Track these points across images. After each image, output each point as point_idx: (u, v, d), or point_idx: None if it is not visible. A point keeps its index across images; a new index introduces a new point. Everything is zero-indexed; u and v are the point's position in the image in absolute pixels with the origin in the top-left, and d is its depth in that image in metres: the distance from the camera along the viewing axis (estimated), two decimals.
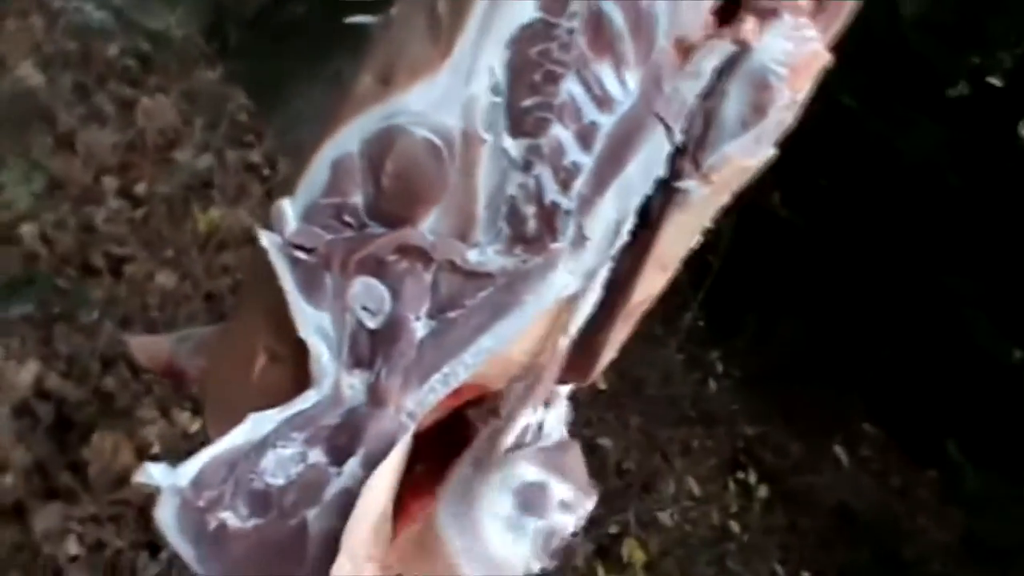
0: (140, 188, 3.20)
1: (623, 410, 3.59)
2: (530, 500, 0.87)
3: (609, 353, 0.92)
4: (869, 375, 4.74)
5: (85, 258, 2.73)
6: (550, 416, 0.96)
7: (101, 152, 3.28)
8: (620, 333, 0.92)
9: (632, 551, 2.79)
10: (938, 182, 5.12)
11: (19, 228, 2.75)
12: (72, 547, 2.15)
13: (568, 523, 0.87)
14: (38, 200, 2.83)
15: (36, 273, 2.60)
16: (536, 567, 0.86)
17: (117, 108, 3.52)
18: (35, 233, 2.74)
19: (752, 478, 3.31)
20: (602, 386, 3.39)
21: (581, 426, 3.44)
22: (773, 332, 4.79)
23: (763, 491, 3.39)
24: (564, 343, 0.90)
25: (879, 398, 4.70)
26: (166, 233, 3.05)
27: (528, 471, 0.88)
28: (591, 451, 3.35)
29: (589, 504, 0.88)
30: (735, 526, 3.28)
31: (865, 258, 5.15)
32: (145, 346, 1.14)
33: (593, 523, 2.96)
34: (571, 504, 0.88)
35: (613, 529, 2.91)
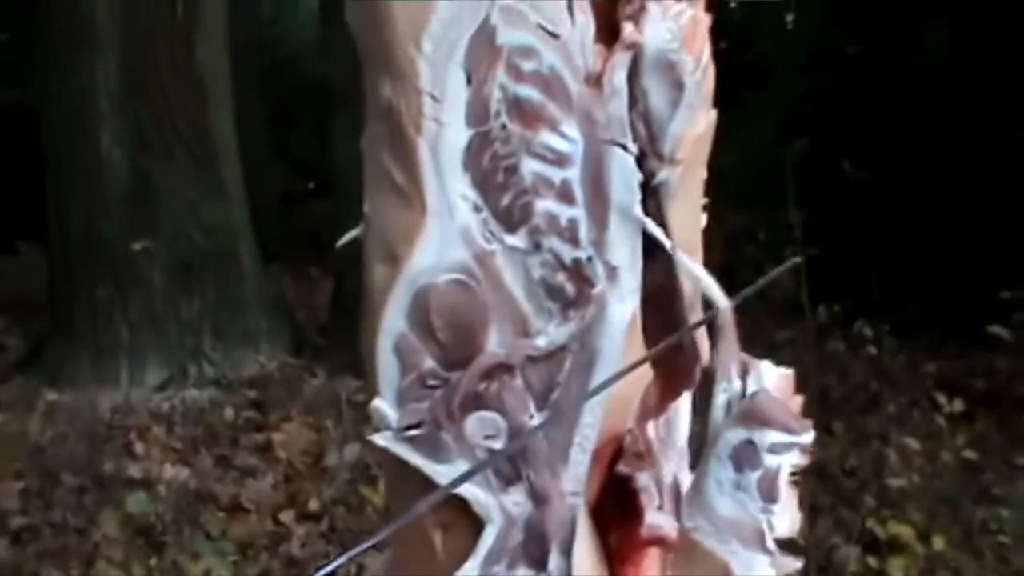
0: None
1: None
2: (743, 457, 0.98)
3: (703, 344, 1.01)
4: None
5: None
6: (685, 475, 1.08)
7: None
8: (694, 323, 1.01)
9: (897, 529, 2.85)
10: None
11: None
12: None
13: (787, 460, 0.98)
14: None
15: None
16: (765, 515, 0.96)
17: None
18: None
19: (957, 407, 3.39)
20: None
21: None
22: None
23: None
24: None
25: None
26: None
27: (734, 434, 0.98)
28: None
29: (805, 434, 0.98)
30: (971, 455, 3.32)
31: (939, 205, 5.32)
32: None
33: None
34: (783, 444, 0.98)
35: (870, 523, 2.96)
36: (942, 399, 3.49)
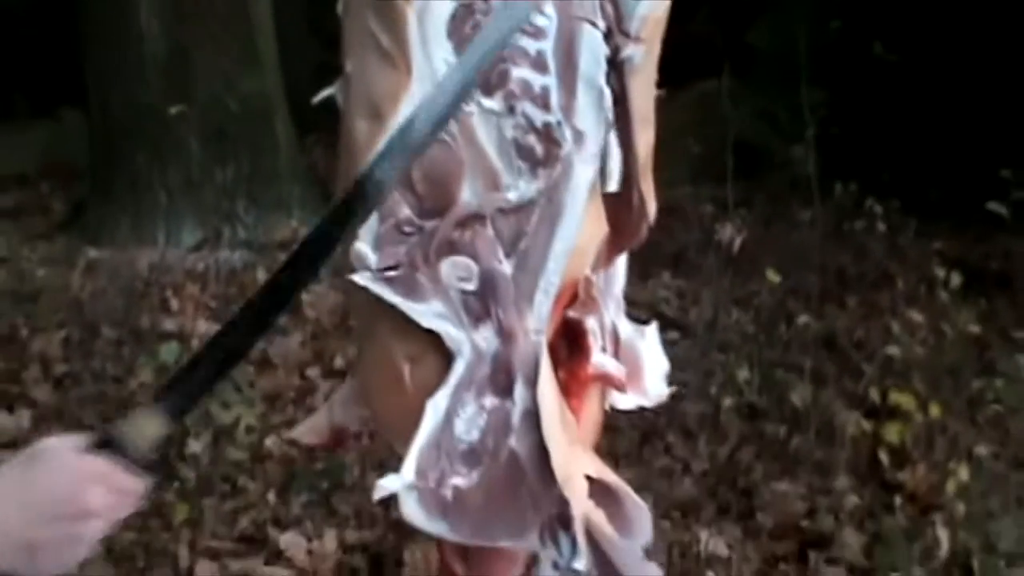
0: None
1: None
2: None
3: (649, 205, 1.13)
4: None
5: None
6: (622, 321, 1.20)
7: None
8: (647, 185, 1.12)
9: (898, 398, 2.97)
10: None
11: None
12: None
13: None
14: None
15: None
16: None
17: None
18: None
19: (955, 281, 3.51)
20: None
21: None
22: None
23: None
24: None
25: None
26: None
27: None
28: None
29: None
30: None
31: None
32: (308, 430, 1.36)
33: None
34: None
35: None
36: (953, 277, 3.58)
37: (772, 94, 5.53)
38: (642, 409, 1.26)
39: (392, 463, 1.15)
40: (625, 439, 3.11)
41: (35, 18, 7.94)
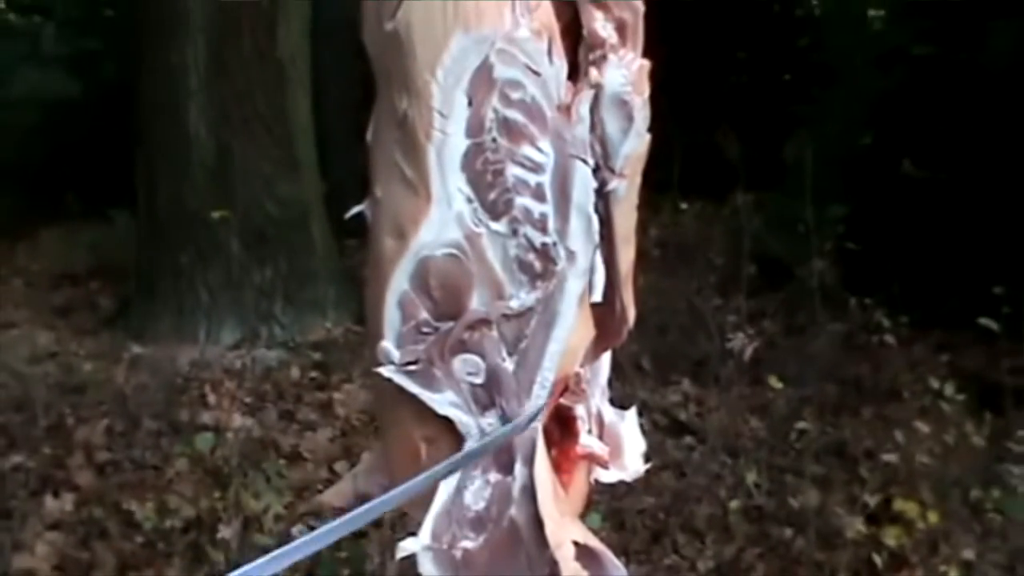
0: None
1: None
2: None
3: (630, 312, 1.33)
4: None
5: None
6: (606, 407, 1.39)
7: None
8: (627, 295, 1.32)
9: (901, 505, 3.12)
10: None
11: None
12: None
13: None
14: None
15: None
16: None
17: None
18: None
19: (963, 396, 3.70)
20: None
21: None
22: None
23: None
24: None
25: None
26: None
27: None
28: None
29: None
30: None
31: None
32: (334, 494, 1.55)
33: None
34: None
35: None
36: (960, 390, 3.72)
37: (797, 208, 5.75)
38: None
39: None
40: (637, 538, 3.25)
41: (87, 123, 8.30)
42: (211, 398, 4.21)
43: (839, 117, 7.53)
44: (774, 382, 3.61)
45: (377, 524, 3.25)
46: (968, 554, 2.88)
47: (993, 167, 5.88)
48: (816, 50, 9.61)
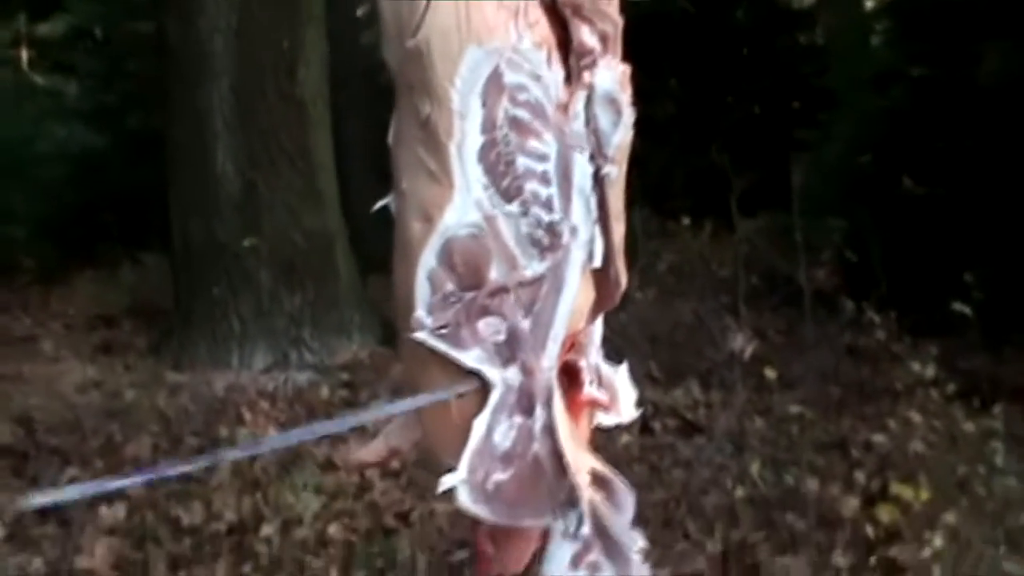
0: None
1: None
2: None
3: (622, 277, 1.58)
4: None
5: None
6: (601, 363, 1.64)
7: None
8: (620, 264, 1.57)
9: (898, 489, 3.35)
10: None
11: None
12: None
13: None
14: None
15: None
16: None
17: None
18: None
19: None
20: None
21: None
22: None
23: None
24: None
25: None
26: None
27: None
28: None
29: None
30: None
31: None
32: (366, 453, 1.79)
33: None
34: None
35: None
36: (949, 381, 3.94)
37: (799, 224, 5.98)
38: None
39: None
40: (648, 528, 3.49)
41: (113, 174, 8.58)
42: (247, 417, 4.47)
43: (841, 138, 7.81)
44: (768, 373, 3.86)
45: (407, 522, 3.50)
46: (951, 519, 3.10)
47: (990, 181, 6.12)
48: (819, 75, 9.92)
